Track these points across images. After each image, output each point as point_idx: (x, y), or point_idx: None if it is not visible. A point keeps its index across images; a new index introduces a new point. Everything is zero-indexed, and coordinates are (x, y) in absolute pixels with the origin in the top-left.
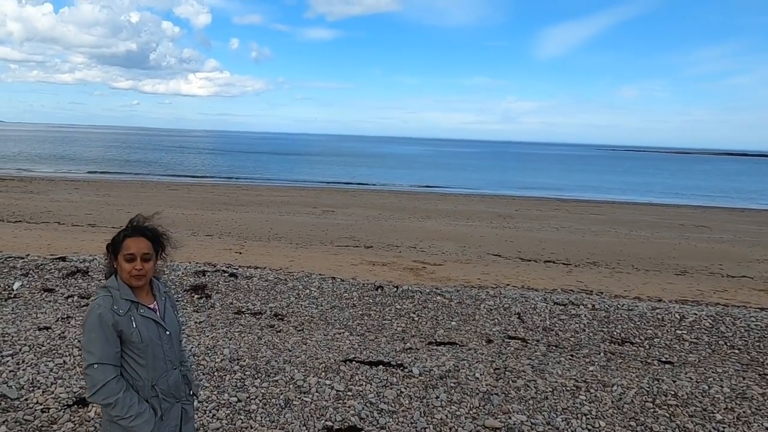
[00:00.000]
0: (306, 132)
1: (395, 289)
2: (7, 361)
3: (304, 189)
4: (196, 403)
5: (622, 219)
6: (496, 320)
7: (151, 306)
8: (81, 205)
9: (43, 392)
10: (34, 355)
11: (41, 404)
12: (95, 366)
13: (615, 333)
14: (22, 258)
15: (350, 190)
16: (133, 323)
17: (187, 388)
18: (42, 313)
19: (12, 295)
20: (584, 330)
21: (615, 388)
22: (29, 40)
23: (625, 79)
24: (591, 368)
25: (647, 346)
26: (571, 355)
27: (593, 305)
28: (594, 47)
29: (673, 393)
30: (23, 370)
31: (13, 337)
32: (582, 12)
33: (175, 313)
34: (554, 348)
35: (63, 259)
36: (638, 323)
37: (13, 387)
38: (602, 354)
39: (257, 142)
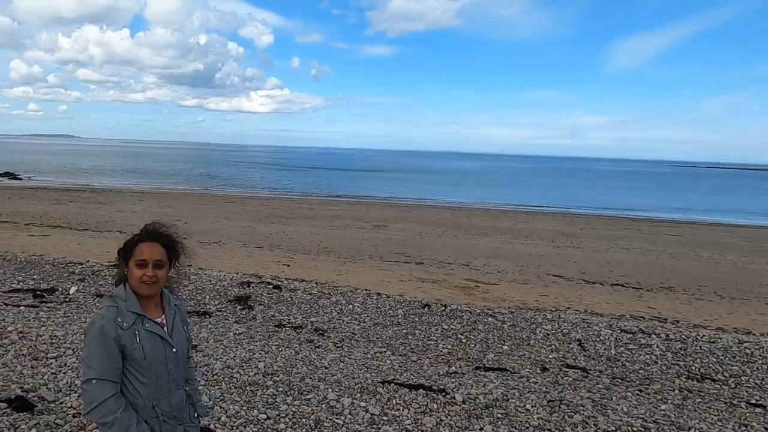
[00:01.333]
0: (364, 147)
1: (443, 308)
2: (51, 363)
3: (357, 203)
4: (221, 420)
5: (703, 241)
6: (553, 346)
7: (158, 320)
8: (143, 215)
9: (78, 396)
10: (77, 359)
11: (74, 408)
12: (93, 381)
13: (693, 368)
14: (81, 264)
15: (404, 204)
16: (137, 338)
17: (191, 409)
18: (91, 317)
19: (68, 299)
20: (656, 362)
21: None
22: (108, 63)
23: (708, 92)
24: (663, 407)
25: (732, 385)
26: (640, 391)
27: (667, 335)
28: (671, 59)
29: None
30: (64, 372)
31: (60, 339)
32: (657, 23)
33: (185, 328)
34: (619, 381)
35: (117, 265)
36: (721, 358)
37: (52, 389)
38: (677, 391)
39: (315, 157)
